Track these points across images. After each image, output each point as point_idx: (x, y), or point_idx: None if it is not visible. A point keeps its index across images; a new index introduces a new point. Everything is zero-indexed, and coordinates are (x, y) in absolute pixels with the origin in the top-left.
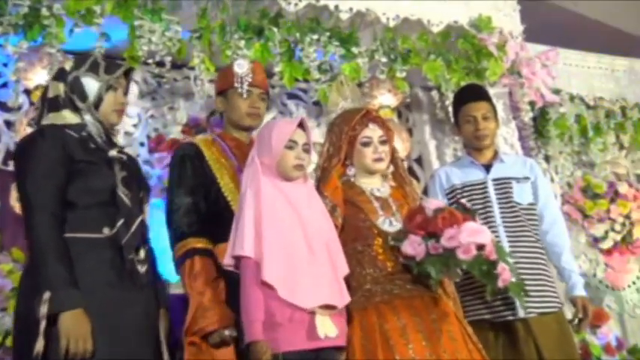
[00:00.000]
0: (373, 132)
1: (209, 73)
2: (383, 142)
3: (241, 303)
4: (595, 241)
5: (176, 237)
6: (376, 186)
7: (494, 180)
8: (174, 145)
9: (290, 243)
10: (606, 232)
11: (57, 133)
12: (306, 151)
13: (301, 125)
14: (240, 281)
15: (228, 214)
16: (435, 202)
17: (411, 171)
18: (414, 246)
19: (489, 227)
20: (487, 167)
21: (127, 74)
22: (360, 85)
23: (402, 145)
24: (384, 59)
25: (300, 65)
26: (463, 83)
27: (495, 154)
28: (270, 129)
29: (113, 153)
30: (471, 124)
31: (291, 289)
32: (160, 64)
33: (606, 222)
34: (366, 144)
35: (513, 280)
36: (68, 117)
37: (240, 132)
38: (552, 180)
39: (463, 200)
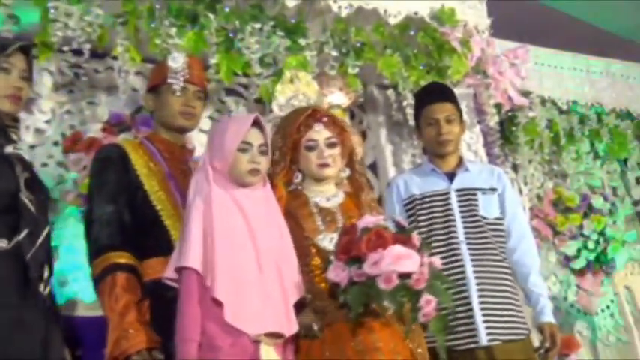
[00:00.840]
0: (319, 134)
1: (134, 64)
2: (331, 145)
3: (177, 319)
4: (566, 260)
5: (95, 251)
6: (326, 195)
7: (458, 191)
8: (93, 144)
9: (239, 259)
10: (579, 251)
11: None
12: (263, 153)
13: (257, 124)
14: (179, 295)
15: (157, 226)
16: (369, 219)
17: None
18: (337, 271)
19: (451, 244)
20: (450, 176)
21: (26, 55)
22: None
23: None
24: (334, 53)
25: (240, 57)
26: (423, 82)
27: (460, 162)
28: (221, 129)
29: (10, 150)
30: (433, 128)
31: (236, 313)
32: (78, 52)
33: (579, 239)
34: (310, 148)
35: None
36: None
37: (172, 133)
38: (520, 192)
39: (398, 217)
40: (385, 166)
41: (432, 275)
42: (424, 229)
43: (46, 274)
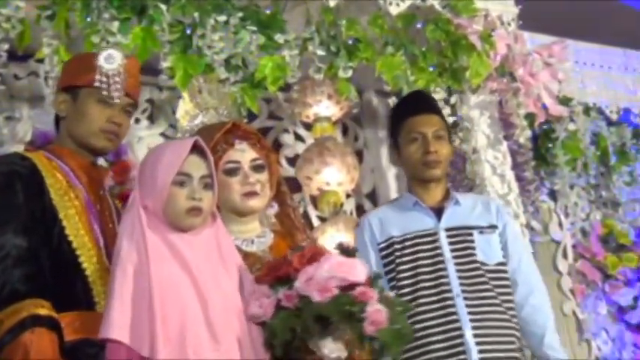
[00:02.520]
0: (242, 154)
1: None
2: (257, 168)
3: None
4: (620, 312)
5: (4, 297)
6: (250, 235)
7: (449, 230)
8: None
9: (185, 326)
10: (635, 300)
11: None
12: (207, 186)
13: (198, 149)
14: None
15: (74, 271)
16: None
17: (361, 210)
18: (261, 301)
19: (443, 299)
20: (437, 211)
21: None
22: (286, 88)
23: (346, 175)
24: (321, 52)
25: (200, 59)
26: (434, 88)
27: (447, 194)
28: (152, 158)
29: None
30: (418, 145)
31: None
32: None
33: (635, 285)
34: (230, 171)
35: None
36: None
37: (83, 152)
38: (561, 225)
39: (344, 242)
40: (387, 194)
41: (386, 300)
42: (407, 281)
43: None
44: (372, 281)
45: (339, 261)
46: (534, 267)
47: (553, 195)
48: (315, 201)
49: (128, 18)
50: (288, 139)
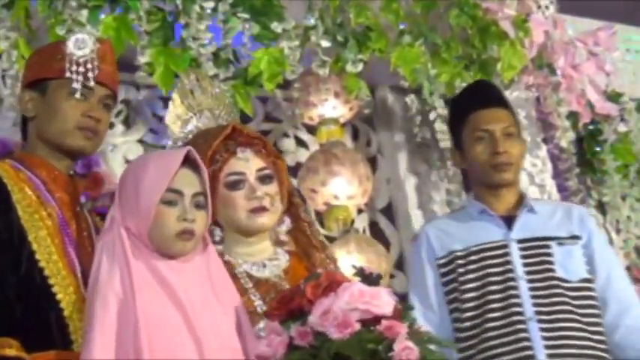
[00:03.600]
0: (246, 163)
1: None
2: (265, 179)
3: None
4: None
5: None
6: (260, 257)
7: (522, 242)
8: None
9: None
10: None
11: None
12: (200, 206)
13: (190, 162)
14: None
15: (46, 303)
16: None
17: (375, 229)
18: (270, 340)
19: (513, 323)
20: (508, 220)
21: None
22: (285, 85)
23: (357, 186)
24: (325, 43)
25: (184, 53)
26: (460, 84)
27: (521, 199)
28: (137, 171)
29: None
30: (485, 144)
31: None
32: None
33: None
34: (234, 185)
35: None
36: None
37: (58, 157)
38: (611, 242)
39: (363, 265)
40: (406, 208)
41: (416, 336)
42: (472, 303)
43: None
44: (401, 313)
45: (360, 290)
46: (628, 282)
47: (602, 208)
48: (321, 218)
49: (99, 5)
50: (288, 144)
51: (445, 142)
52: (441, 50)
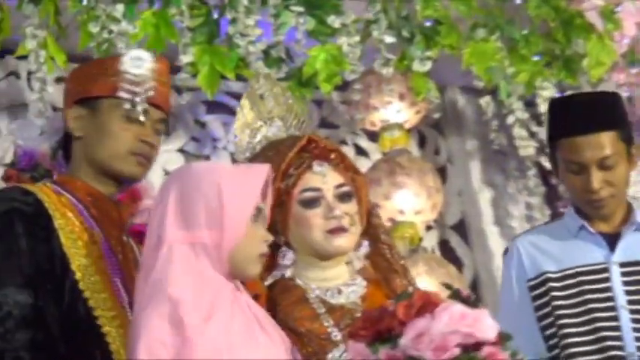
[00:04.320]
0: (323, 179)
1: (55, 68)
2: (344, 197)
3: None
4: None
5: None
6: (336, 283)
7: (625, 265)
8: None
9: None
10: None
11: None
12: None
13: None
14: None
15: (91, 337)
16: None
17: (445, 247)
18: None
19: (607, 355)
20: (612, 240)
21: None
22: (343, 87)
23: (425, 200)
24: (389, 38)
25: (231, 52)
26: (540, 84)
27: (628, 214)
28: (213, 178)
29: None
30: (578, 177)
31: None
32: None
33: None
34: (309, 203)
35: None
36: None
37: (104, 181)
38: None
39: (461, 288)
40: (480, 224)
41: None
42: (567, 332)
43: None
44: (502, 340)
45: (461, 312)
46: None
47: None
48: None
49: (136, 0)
50: (347, 153)
51: (525, 149)
52: (519, 46)
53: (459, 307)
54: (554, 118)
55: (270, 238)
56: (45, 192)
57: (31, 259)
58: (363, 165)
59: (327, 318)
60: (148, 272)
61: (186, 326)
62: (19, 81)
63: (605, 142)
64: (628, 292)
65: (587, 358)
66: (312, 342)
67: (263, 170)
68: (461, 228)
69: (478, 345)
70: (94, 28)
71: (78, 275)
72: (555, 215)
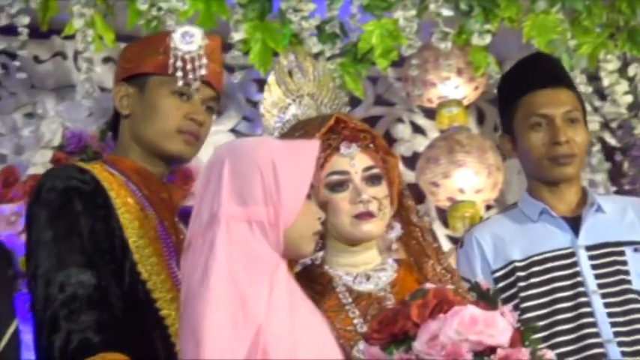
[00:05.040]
0: (350, 161)
1: (103, 47)
2: (372, 180)
3: None
4: None
5: (73, 349)
6: (364, 268)
7: (591, 248)
8: None
9: None
10: None
11: None
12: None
13: None
14: None
15: (151, 320)
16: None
17: None
18: None
19: (587, 347)
20: (573, 222)
21: None
22: (398, 63)
23: (485, 178)
24: (446, 12)
25: (284, 28)
26: (604, 56)
27: (584, 196)
28: (271, 154)
29: None
30: (542, 132)
31: None
32: (9, 31)
33: None
34: (336, 186)
35: None
36: None
37: (153, 160)
38: None
39: (482, 280)
40: None
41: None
42: (538, 322)
43: None
44: (522, 336)
45: (472, 316)
46: None
47: None
48: (444, 215)
49: None
50: (403, 131)
51: (590, 123)
52: (581, 17)
53: (469, 311)
54: (509, 82)
55: (323, 215)
56: (100, 171)
57: (91, 238)
58: (421, 143)
59: (352, 308)
60: (199, 250)
61: (247, 308)
62: (66, 62)
63: (569, 97)
64: (597, 276)
65: (566, 348)
66: (337, 333)
67: (315, 146)
68: None
69: (492, 348)
70: (142, 6)
71: (136, 256)
72: (619, 193)
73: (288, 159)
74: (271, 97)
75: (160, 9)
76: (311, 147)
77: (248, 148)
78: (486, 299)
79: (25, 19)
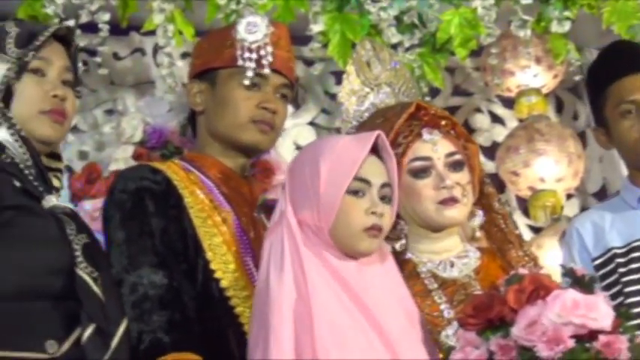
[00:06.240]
0: (433, 147)
1: (183, 42)
2: (455, 166)
3: None
4: None
5: (144, 349)
6: (447, 255)
7: None
8: None
9: None
10: None
11: None
12: (386, 199)
13: (375, 147)
14: None
15: (225, 319)
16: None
17: None
18: (465, 353)
19: None
20: None
21: (67, 45)
22: (475, 52)
23: (566, 167)
24: None
25: (362, 19)
26: None
27: None
28: (315, 155)
29: (52, 202)
30: (633, 119)
31: None
32: (89, 28)
33: None
34: (419, 172)
35: None
36: None
37: (232, 154)
38: None
39: (577, 266)
40: None
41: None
42: (639, 309)
43: None
44: (619, 323)
45: (574, 300)
46: None
47: None
48: (524, 205)
49: None
50: (481, 121)
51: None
52: None
53: (571, 295)
54: (596, 72)
55: (378, 208)
56: (173, 169)
57: (163, 238)
58: (500, 133)
59: (439, 294)
60: (270, 246)
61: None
62: (145, 58)
63: None
64: None
65: None
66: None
67: (365, 141)
68: (603, 195)
69: (593, 334)
70: (220, 0)
71: (209, 255)
72: None
73: (332, 159)
74: (350, 85)
75: (238, 2)
76: (361, 143)
77: (305, 150)
78: (581, 285)
79: (105, 16)
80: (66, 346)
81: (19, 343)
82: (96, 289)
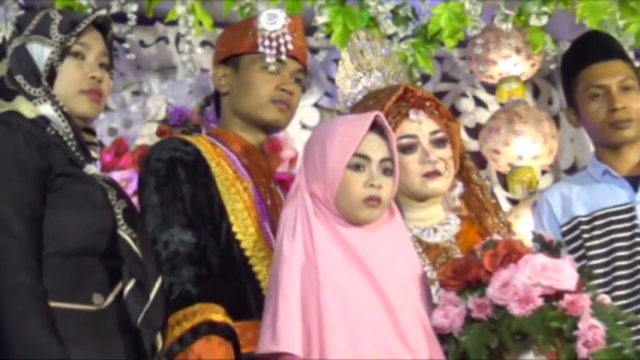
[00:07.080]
0: (418, 126)
1: (202, 31)
2: (438, 143)
3: None
4: None
5: (174, 300)
6: (432, 223)
7: None
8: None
9: (369, 334)
10: None
11: (25, 125)
12: (387, 172)
13: (376, 126)
14: None
15: (245, 276)
16: (494, 238)
17: None
18: (446, 310)
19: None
20: (634, 182)
21: (104, 33)
22: (464, 42)
23: (542, 146)
24: None
25: (362, 12)
26: None
27: None
28: (322, 135)
29: (93, 169)
30: (600, 101)
31: None
32: (119, 18)
33: None
34: (406, 148)
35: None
36: (25, 109)
37: (253, 131)
38: None
39: (545, 233)
40: None
41: (600, 310)
42: (599, 270)
43: (160, 345)
44: (583, 283)
45: (542, 264)
46: None
47: None
48: (504, 180)
49: None
50: (467, 105)
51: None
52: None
53: (540, 259)
54: (569, 59)
55: (376, 181)
56: (202, 143)
57: (192, 203)
58: (483, 115)
59: (423, 257)
60: (285, 216)
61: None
62: (168, 46)
63: (620, 67)
64: None
65: (623, 292)
66: None
67: (364, 121)
68: (574, 171)
69: (559, 294)
70: None
71: (232, 219)
72: None
73: (335, 137)
74: (345, 70)
75: None
76: (360, 122)
77: (317, 130)
78: (549, 250)
79: (134, 7)
80: (110, 298)
81: (70, 295)
82: (135, 248)
